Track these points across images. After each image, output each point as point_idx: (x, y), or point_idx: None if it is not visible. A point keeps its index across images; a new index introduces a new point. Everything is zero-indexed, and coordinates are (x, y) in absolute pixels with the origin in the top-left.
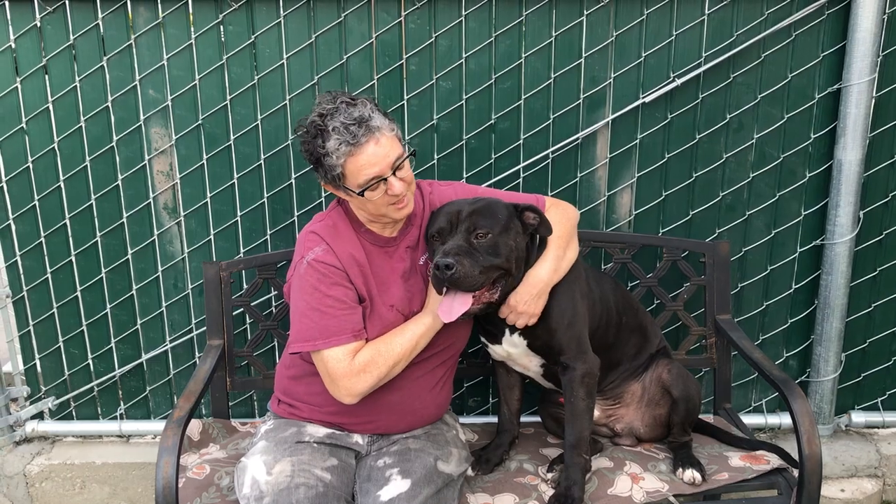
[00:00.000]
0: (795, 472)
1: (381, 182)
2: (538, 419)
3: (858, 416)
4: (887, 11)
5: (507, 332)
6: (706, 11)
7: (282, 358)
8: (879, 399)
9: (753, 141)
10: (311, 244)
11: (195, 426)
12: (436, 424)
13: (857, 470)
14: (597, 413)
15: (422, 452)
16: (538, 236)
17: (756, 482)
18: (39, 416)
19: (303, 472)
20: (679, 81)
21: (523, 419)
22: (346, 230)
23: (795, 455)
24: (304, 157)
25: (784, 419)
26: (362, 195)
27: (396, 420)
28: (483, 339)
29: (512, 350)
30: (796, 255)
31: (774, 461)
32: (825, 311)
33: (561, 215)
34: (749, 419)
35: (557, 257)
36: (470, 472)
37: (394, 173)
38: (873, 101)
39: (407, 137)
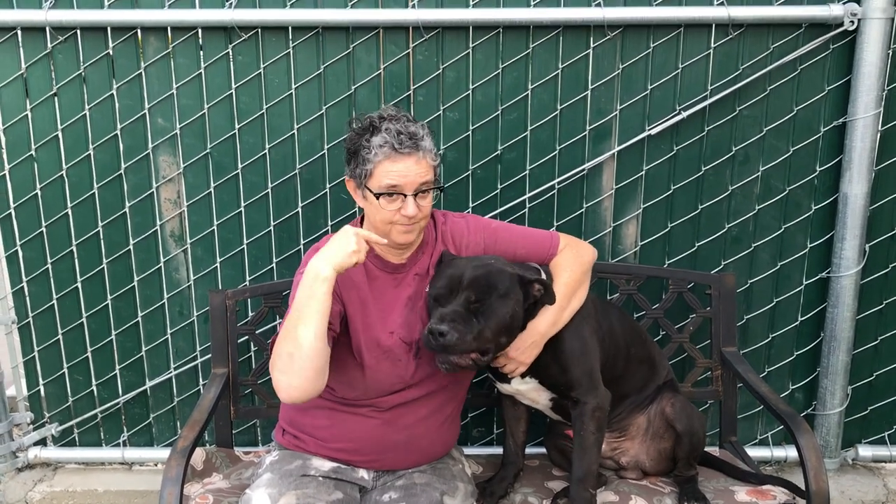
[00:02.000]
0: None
1: (400, 198)
2: (543, 451)
3: (865, 450)
4: (893, 46)
5: (518, 376)
6: (712, 45)
7: None
8: (887, 433)
9: (759, 173)
10: (314, 252)
11: (198, 455)
12: (442, 458)
13: None
14: (605, 446)
15: (428, 487)
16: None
17: None
18: (42, 442)
19: None
20: (685, 114)
21: (528, 451)
22: None
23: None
24: (344, 146)
25: (790, 452)
26: (378, 198)
27: (403, 457)
28: (491, 376)
29: (521, 388)
30: (802, 287)
31: (781, 497)
32: (831, 343)
33: (573, 260)
34: (755, 452)
35: (560, 308)
36: None
37: (415, 196)
38: (879, 134)
39: None
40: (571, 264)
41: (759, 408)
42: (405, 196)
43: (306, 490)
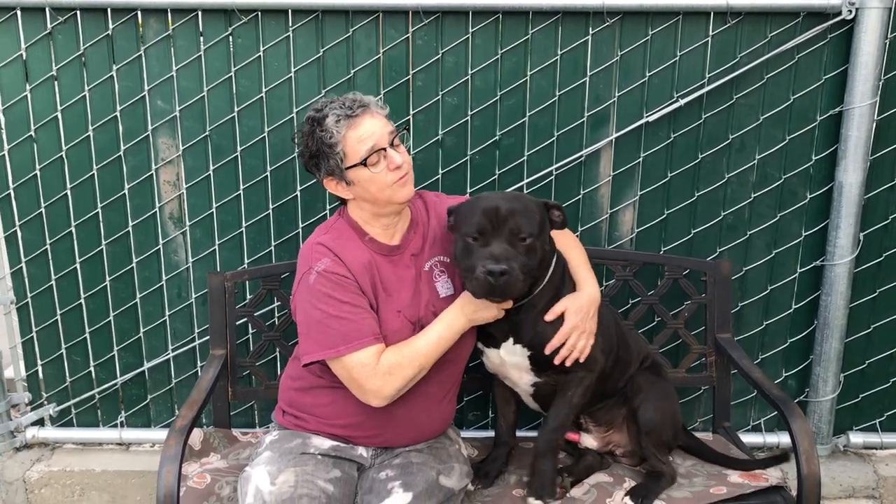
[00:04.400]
0: (794, 491)
1: (382, 155)
2: (534, 434)
3: (856, 437)
4: (889, 36)
5: (510, 340)
6: (710, 33)
7: (286, 370)
8: (878, 420)
9: (755, 161)
10: (318, 255)
11: (196, 435)
12: (439, 438)
13: (855, 490)
14: (595, 442)
15: (424, 466)
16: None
17: (754, 500)
18: (40, 422)
19: (306, 482)
20: (682, 101)
21: (523, 434)
22: (351, 239)
23: (792, 474)
24: (303, 161)
25: (783, 438)
26: (364, 165)
27: (402, 433)
28: (480, 344)
29: (508, 358)
30: (796, 275)
31: (772, 479)
32: (824, 331)
33: (571, 237)
34: (747, 438)
35: (594, 277)
36: (470, 486)
37: (392, 146)
38: (874, 124)
39: (412, 152)
40: (577, 245)
41: (752, 394)
42: (384, 150)
43: (305, 468)
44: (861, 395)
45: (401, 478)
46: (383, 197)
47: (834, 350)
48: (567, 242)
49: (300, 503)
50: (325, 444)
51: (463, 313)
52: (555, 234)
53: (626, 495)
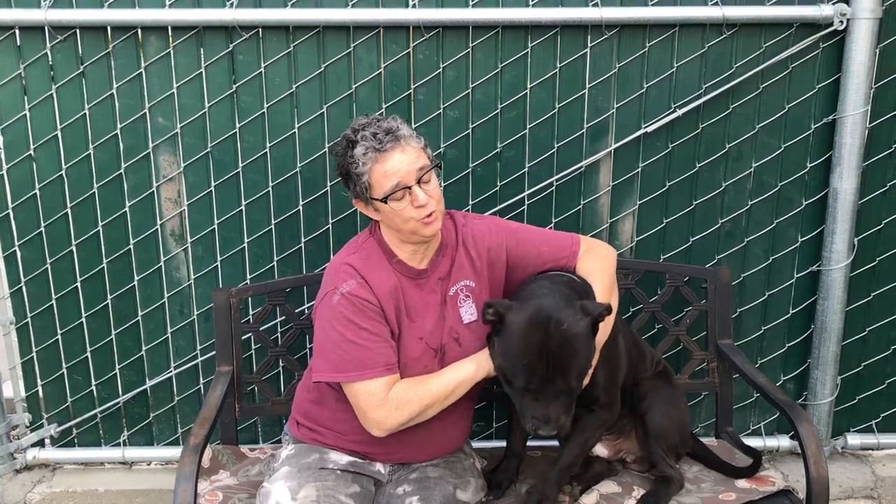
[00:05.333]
0: (802, 494)
1: (406, 192)
2: (544, 443)
3: (854, 439)
4: (880, 46)
5: None
6: (706, 44)
7: (302, 381)
8: (874, 421)
9: (752, 170)
10: (345, 276)
11: (205, 453)
12: (454, 453)
13: (854, 491)
14: (606, 451)
15: (441, 481)
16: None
17: None
18: (40, 443)
19: (328, 497)
20: (680, 112)
21: (529, 443)
22: (379, 261)
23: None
24: (337, 173)
25: (782, 441)
26: (386, 202)
27: (420, 450)
28: None
29: None
30: (793, 280)
31: (779, 483)
32: (822, 335)
33: (601, 263)
34: (748, 442)
35: (609, 323)
36: (483, 498)
37: (419, 184)
38: (867, 131)
39: None
40: (601, 269)
41: (752, 399)
42: (409, 188)
43: (325, 482)
44: (858, 398)
45: (418, 493)
46: (407, 229)
47: (831, 353)
48: (591, 269)
49: None
50: (343, 459)
51: (483, 369)
52: (580, 264)
53: None
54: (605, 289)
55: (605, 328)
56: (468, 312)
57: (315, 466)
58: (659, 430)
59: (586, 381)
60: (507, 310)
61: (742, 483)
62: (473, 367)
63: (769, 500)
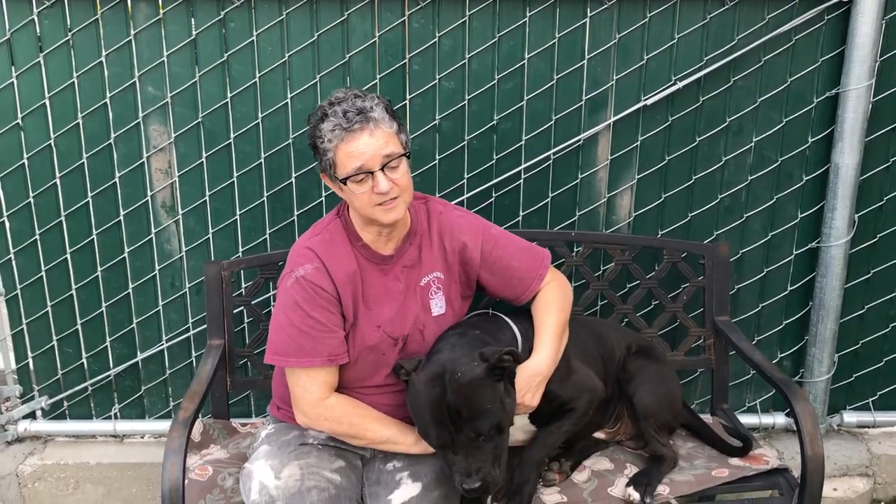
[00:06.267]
0: (797, 472)
1: (369, 177)
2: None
3: (850, 416)
4: (886, 17)
5: None
6: (708, 15)
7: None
8: (870, 399)
9: (752, 144)
10: (303, 260)
11: (196, 427)
12: None
13: (849, 469)
14: (603, 436)
15: (430, 455)
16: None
17: (756, 482)
18: (31, 415)
19: (312, 475)
20: (680, 84)
21: None
22: (342, 245)
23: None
24: (308, 143)
25: (777, 419)
26: (345, 184)
27: None
28: None
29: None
30: (792, 257)
31: (773, 461)
32: (820, 312)
33: (561, 297)
34: (743, 419)
35: (555, 348)
36: None
37: (383, 169)
38: (870, 105)
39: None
40: (560, 305)
41: (748, 376)
42: (372, 173)
43: (308, 460)
44: (855, 375)
45: (408, 468)
46: (365, 214)
47: (829, 331)
48: (551, 301)
49: (310, 496)
50: (322, 434)
51: (420, 448)
52: (543, 292)
53: (628, 485)
54: (556, 323)
55: (540, 358)
56: (437, 305)
57: (295, 443)
58: (648, 410)
59: (529, 409)
60: (413, 369)
61: (736, 461)
62: (412, 440)
63: (763, 478)
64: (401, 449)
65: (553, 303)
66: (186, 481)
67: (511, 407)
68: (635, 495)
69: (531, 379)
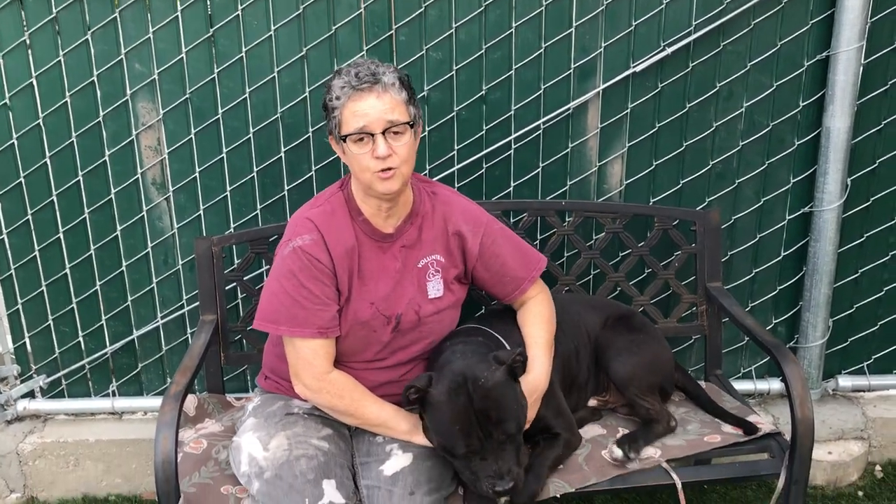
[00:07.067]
0: (788, 436)
1: (369, 139)
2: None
3: (845, 381)
4: None
5: None
6: None
7: (270, 335)
8: (865, 363)
9: (743, 109)
10: (302, 230)
11: (190, 401)
12: None
13: (844, 433)
14: (594, 402)
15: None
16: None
17: (748, 446)
18: (30, 394)
19: (300, 444)
20: (669, 50)
21: None
22: (343, 218)
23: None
24: (321, 105)
25: (773, 385)
26: (345, 141)
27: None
28: None
29: None
30: (785, 222)
31: (766, 426)
32: (814, 277)
33: (549, 311)
34: (738, 385)
35: (548, 362)
36: None
37: (384, 134)
38: (861, 68)
39: None
40: (548, 318)
41: (742, 342)
42: (373, 136)
43: (295, 429)
44: (849, 340)
45: (398, 439)
46: (363, 179)
47: (823, 295)
48: (540, 314)
49: (298, 464)
50: (307, 404)
51: (411, 436)
52: (533, 304)
53: (614, 443)
54: (546, 337)
55: (538, 373)
56: (435, 288)
57: (280, 413)
58: (624, 379)
59: (528, 423)
60: (426, 386)
61: (728, 428)
62: (405, 428)
63: (755, 443)
64: (393, 434)
65: (542, 316)
66: (181, 454)
67: (526, 405)
68: (618, 452)
69: (529, 395)
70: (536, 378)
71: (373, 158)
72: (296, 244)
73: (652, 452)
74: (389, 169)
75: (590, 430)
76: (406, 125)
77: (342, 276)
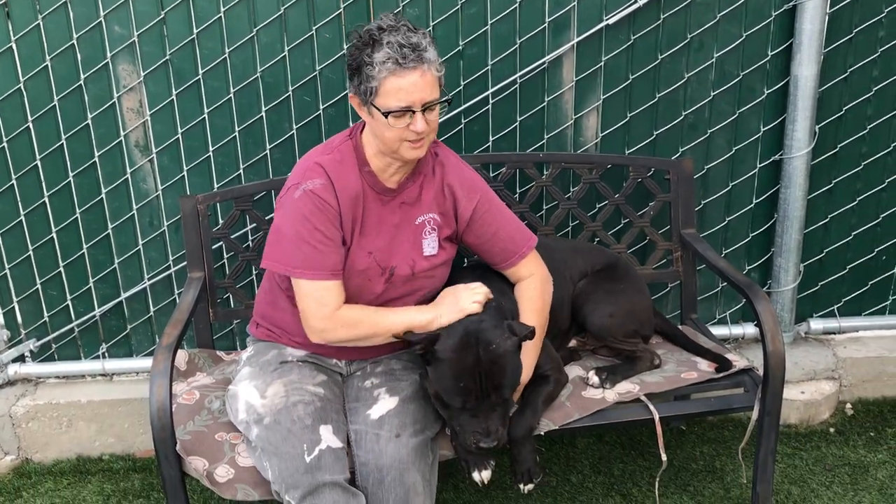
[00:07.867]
0: (761, 371)
1: (408, 115)
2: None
3: (816, 324)
4: None
5: None
6: None
7: (262, 283)
8: (836, 306)
9: (713, 60)
10: (312, 174)
11: (181, 356)
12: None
13: (816, 373)
14: (574, 342)
15: (406, 371)
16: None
17: (723, 382)
18: (21, 358)
19: (296, 390)
20: (641, 2)
21: None
22: (351, 166)
23: (759, 362)
24: (347, 61)
25: (747, 329)
26: (386, 117)
27: (368, 350)
28: None
29: None
30: (756, 170)
31: (740, 363)
32: (784, 223)
33: (542, 299)
34: (714, 330)
35: (537, 352)
36: None
37: (423, 111)
38: (827, 17)
39: None
40: (539, 308)
41: (717, 289)
42: (413, 112)
43: (290, 377)
44: (820, 284)
45: (386, 384)
46: (391, 146)
47: (794, 241)
48: (533, 297)
49: (295, 410)
50: (299, 352)
51: (438, 323)
52: (522, 287)
53: (593, 370)
54: (539, 321)
55: (535, 347)
56: (430, 245)
57: (275, 362)
58: (602, 330)
59: (517, 394)
60: (434, 340)
61: (704, 365)
62: (429, 317)
63: (730, 378)
64: (425, 328)
65: (532, 303)
66: (175, 405)
67: (521, 373)
68: (595, 379)
69: (525, 375)
70: (528, 360)
71: (408, 131)
72: (307, 187)
73: (630, 387)
74: (420, 140)
75: (571, 371)
76: (441, 101)
77: (347, 223)
